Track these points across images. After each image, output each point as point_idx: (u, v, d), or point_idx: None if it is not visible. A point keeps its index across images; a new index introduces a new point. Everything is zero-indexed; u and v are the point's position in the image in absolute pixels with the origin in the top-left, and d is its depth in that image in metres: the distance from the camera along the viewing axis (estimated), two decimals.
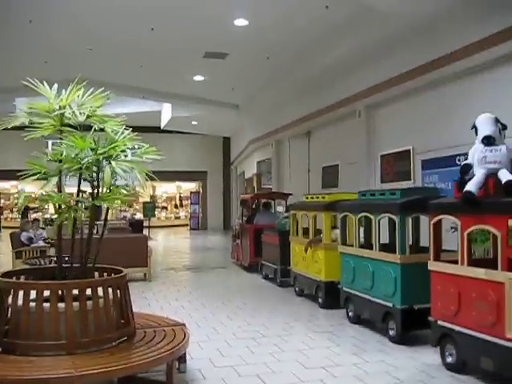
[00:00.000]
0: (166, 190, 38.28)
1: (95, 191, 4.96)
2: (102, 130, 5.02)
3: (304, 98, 14.37)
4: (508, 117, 5.75)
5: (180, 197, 36.80)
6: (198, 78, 15.89)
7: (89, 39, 12.35)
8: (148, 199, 33.24)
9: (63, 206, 4.59)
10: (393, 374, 5.01)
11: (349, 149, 12.29)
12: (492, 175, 4.68)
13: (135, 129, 21.97)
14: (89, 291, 4.29)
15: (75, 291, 4.21)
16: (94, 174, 4.95)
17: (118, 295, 4.56)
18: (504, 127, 4.91)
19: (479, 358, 4.56)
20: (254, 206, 13.24)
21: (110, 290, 4.46)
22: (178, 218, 35.88)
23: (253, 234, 11.96)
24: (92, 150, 4.68)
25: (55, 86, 4.81)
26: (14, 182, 37.12)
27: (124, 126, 4.75)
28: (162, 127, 24.87)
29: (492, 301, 4.39)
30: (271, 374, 5.03)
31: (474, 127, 5.00)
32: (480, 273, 4.58)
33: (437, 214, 5.22)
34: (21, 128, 5.03)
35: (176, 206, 36.77)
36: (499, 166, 4.71)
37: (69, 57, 13.51)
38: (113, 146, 4.83)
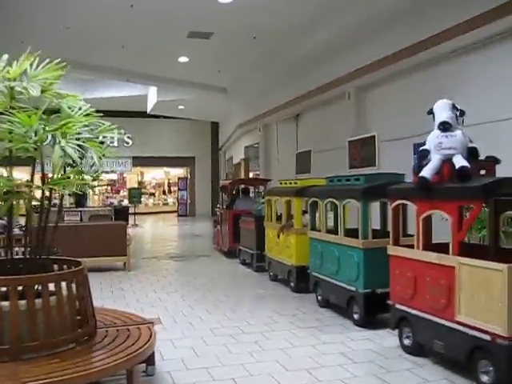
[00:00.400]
0: (154, 176, 37.72)
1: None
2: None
3: (292, 80, 13.97)
4: (501, 97, 5.31)
5: (168, 183, 36.44)
6: (183, 59, 15.34)
7: (65, 17, 11.99)
8: (135, 185, 32.31)
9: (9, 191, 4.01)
10: (348, 355, 5.17)
11: (338, 132, 11.91)
12: (447, 161, 4.77)
13: (121, 113, 25.85)
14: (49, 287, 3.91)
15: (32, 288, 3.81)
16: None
17: (75, 291, 4.09)
18: (462, 113, 4.99)
19: (432, 341, 4.73)
20: (234, 192, 13.32)
21: (66, 285, 4.02)
22: (166, 204, 35.58)
23: (232, 219, 11.99)
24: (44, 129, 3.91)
25: (5, 56, 4.23)
26: None
27: (83, 103, 3.98)
28: (148, 112, 24.58)
29: (444, 285, 4.54)
30: (248, 377, 4.73)
31: (432, 113, 5.04)
32: (433, 257, 4.72)
33: (395, 199, 5.36)
34: None
35: (164, 192, 36.39)
36: (454, 151, 4.79)
37: (46, 36, 13.03)
38: (65, 122, 4.12)
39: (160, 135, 30.34)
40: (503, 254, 4.63)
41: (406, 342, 5.16)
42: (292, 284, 8.22)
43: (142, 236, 18.46)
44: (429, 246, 4.92)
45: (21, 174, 4.56)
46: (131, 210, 23.06)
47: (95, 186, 25.94)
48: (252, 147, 19.84)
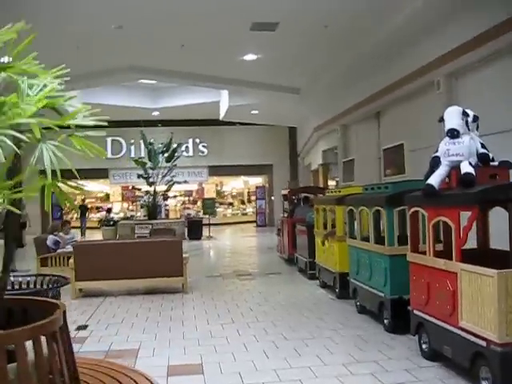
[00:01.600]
0: (233, 185, 38.18)
1: None
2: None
3: (371, 74, 13.09)
4: None
5: (248, 192, 36.80)
6: (250, 57, 14.57)
7: (116, 15, 11.18)
8: (214, 196, 31.23)
9: None
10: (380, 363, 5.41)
11: (428, 128, 10.15)
12: (455, 167, 4.96)
13: (195, 122, 28.85)
14: None
15: None
16: None
17: (44, 352, 2.54)
18: (475, 119, 5.19)
19: (442, 347, 4.95)
20: (295, 201, 13.84)
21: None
22: (244, 214, 35.35)
23: (290, 227, 12.59)
24: None
25: None
26: None
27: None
28: (221, 118, 24.27)
29: (449, 291, 4.74)
30: None
31: (442, 120, 5.29)
32: (440, 263, 4.95)
33: (411, 206, 5.56)
34: None
35: (243, 202, 36.43)
36: (461, 158, 4.97)
37: (99, 37, 12.58)
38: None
39: (236, 143, 30.20)
40: None
41: (424, 346, 5.33)
42: (337, 290, 8.63)
43: (214, 249, 18.29)
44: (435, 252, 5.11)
45: None
46: (206, 221, 23.31)
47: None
48: (330, 151, 18.16)
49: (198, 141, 29.51)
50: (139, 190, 23.30)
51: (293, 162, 29.28)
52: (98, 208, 33.88)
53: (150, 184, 21.64)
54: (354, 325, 6.79)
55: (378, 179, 11.77)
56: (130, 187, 26.65)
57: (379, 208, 6.59)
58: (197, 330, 6.86)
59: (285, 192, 14.97)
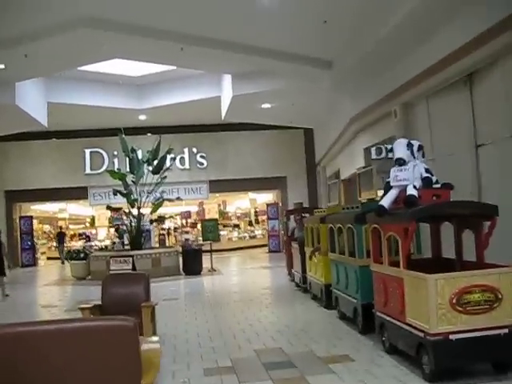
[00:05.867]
0: (238, 205, 35.25)
1: None
2: None
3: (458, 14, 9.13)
4: None
5: (255, 211, 34.35)
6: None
7: None
8: (213, 216, 25.95)
9: None
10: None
11: None
12: (403, 190, 6.43)
13: (192, 128, 25.05)
14: None
15: None
16: None
17: None
18: (419, 148, 6.58)
19: (397, 341, 6.45)
20: (295, 220, 14.98)
21: None
22: (253, 237, 32.24)
23: (288, 245, 14.38)
24: None
25: None
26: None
27: None
28: (223, 117, 21.22)
29: (399, 293, 6.19)
30: None
31: (392, 150, 6.98)
32: (392, 270, 6.44)
33: (371, 223, 7.10)
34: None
35: (250, 223, 29.73)
36: (407, 182, 6.34)
37: None
38: None
39: (241, 152, 26.70)
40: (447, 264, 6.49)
41: (386, 344, 6.78)
42: (323, 301, 10.20)
43: (218, 295, 13.68)
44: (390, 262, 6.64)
45: None
46: (208, 247, 19.64)
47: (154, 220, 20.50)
48: (378, 149, 12.33)
49: (195, 150, 24.78)
50: (118, 210, 17.53)
51: (311, 173, 26.87)
52: (80, 235, 28.36)
53: (132, 203, 15.83)
54: (334, 328, 8.39)
55: (471, 183, 9.69)
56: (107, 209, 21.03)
57: (351, 225, 8.18)
58: None
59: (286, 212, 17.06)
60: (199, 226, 26.58)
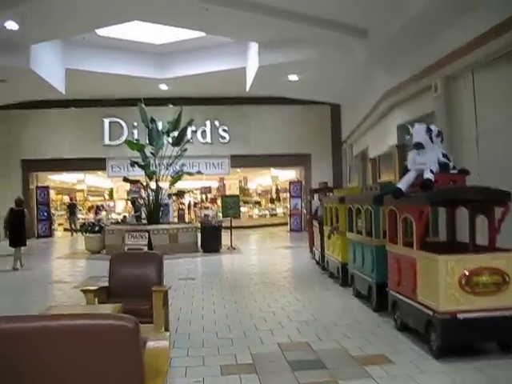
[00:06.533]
0: (260, 182, 34.74)
1: None
2: None
3: None
4: None
5: (277, 189, 28.49)
6: None
7: None
8: (234, 192, 25.35)
9: None
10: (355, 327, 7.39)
11: None
12: (420, 174, 6.69)
13: (214, 101, 24.28)
14: None
15: None
16: None
17: None
18: (438, 133, 6.81)
19: (408, 319, 6.72)
20: (320, 200, 14.69)
21: None
22: (274, 215, 31.58)
23: (310, 224, 14.99)
24: None
25: None
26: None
27: None
28: (247, 89, 20.52)
29: (412, 273, 6.41)
30: None
31: (411, 135, 6.99)
32: (406, 251, 6.69)
33: (387, 205, 7.34)
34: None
35: (272, 201, 28.43)
36: (424, 166, 6.58)
37: None
38: None
39: (265, 127, 25.50)
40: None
41: (398, 321, 7.10)
42: (340, 279, 10.57)
43: (239, 276, 12.54)
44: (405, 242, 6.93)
45: None
46: (227, 224, 19.12)
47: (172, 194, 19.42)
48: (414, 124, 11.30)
49: (217, 124, 23.79)
50: (136, 182, 16.74)
51: (337, 152, 26.04)
52: (98, 207, 27.73)
53: (150, 175, 15.03)
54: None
55: None
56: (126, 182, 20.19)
57: (369, 206, 8.50)
58: None
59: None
60: (219, 201, 26.13)
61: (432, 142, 6.81)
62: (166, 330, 6.93)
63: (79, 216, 29.60)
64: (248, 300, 9.80)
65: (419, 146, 6.72)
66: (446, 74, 11.42)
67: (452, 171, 6.90)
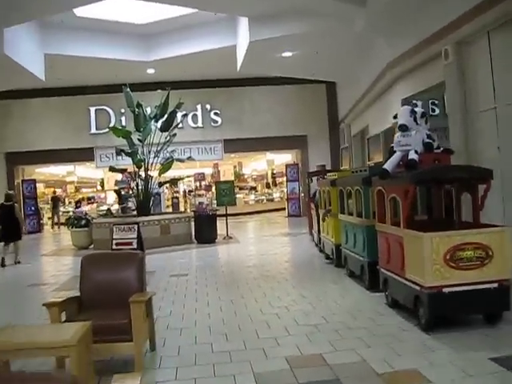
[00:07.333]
0: (254, 167, 34.04)
1: None
2: None
3: None
4: None
5: (273, 173, 27.48)
6: None
7: None
8: (229, 178, 24.46)
9: None
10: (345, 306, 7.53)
11: None
12: (406, 155, 7.02)
13: (205, 83, 23.31)
14: None
15: None
16: None
17: None
18: (422, 114, 7.04)
19: (398, 295, 7.07)
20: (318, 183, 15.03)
21: None
22: (270, 200, 30.71)
23: (309, 207, 15.44)
24: None
25: None
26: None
27: None
28: (238, 69, 19.39)
29: (400, 250, 6.69)
30: None
31: (396, 117, 7.26)
32: (394, 229, 6.96)
33: (375, 186, 7.64)
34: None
35: (268, 185, 27.40)
36: (409, 147, 6.86)
37: None
38: None
39: (258, 109, 24.59)
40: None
41: (389, 298, 7.46)
42: (335, 259, 10.91)
43: (231, 268, 11.77)
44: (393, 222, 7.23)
45: None
46: (222, 211, 17.97)
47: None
48: (420, 96, 10.27)
49: (208, 107, 22.76)
50: (123, 171, 15.60)
51: (334, 132, 25.30)
52: (90, 199, 26.61)
53: (138, 164, 13.81)
54: (341, 286, 8.86)
55: None
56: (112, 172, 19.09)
57: (359, 188, 8.87)
58: None
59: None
60: (214, 188, 25.01)
61: (417, 123, 7.15)
62: (152, 347, 6.07)
63: (69, 209, 28.61)
64: (247, 299, 8.76)
65: (404, 128, 7.06)
66: (458, 39, 10.09)
67: (436, 151, 7.27)
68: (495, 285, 6.04)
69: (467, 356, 5.46)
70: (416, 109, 7.30)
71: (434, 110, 11.96)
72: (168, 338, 6.65)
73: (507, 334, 6.11)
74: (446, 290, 5.99)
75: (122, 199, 20.53)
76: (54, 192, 30.34)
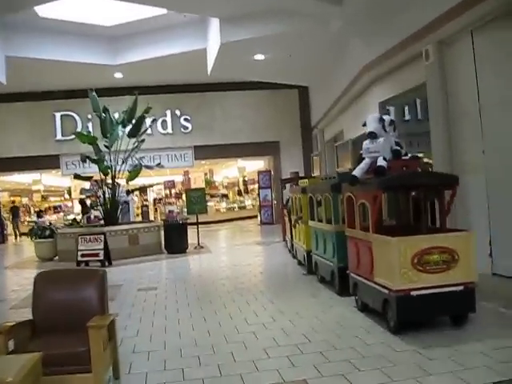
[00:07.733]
0: (226, 174, 33.33)
1: None
2: None
3: None
4: None
5: (244, 180, 27.07)
6: None
7: None
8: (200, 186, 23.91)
9: None
10: (320, 316, 7.25)
11: None
12: (374, 162, 7.13)
13: (174, 88, 22.37)
14: None
15: None
16: None
17: None
18: (391, 122, 7.13)
19: (368, 299, 7.24)
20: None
21: None
22: (242, 207, 30.62)
23: (282, 214, 16.34)
24: None
25: None
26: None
27: None
28: (209, 73, 19.17)
29: (369, 255, 6.84)
30: None
31: (365, 124, 7.31)
32: (363, 234, 7.12)
33: (345, 192, 7.82)
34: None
35: (240, 193, 27.21)
36: (378, 154, 6.95)
37: None
38: None
39: (229, 114, 24.26)
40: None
41: (359, 303, 7.63)
42: (306, 266, 11.08)
43: (203, 281, 11.13)
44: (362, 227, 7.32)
45: None
46: (194, 220, 17.49)
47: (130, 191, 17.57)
48: (396, 100, 9.63)
49: (178, 113, 22.14)
50: (88, 179, 14.90)
51: (307, 138, 25.09)
52: (56, 208, 25.69)
53: (105, 171, 13.10)
54: (312, 292, 8.86)
55: None
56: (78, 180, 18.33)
57: (328, 194, 9.08)
58: None
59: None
60: (184, 196, 23.45)
61: (385, 130, 7.28)
62: (116, 375, 5.33)
63: (34, 219, 27.42)
64: (221, 315, 8.09)
65: (373, 136, 7.18)
66: (439, 38, 9.69)
67: (404, 157, 7.51)
68: (461, 287, 6.24)
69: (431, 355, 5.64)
70: (384, 116, 7.56)
71: (411, 114, 11.89)
72: (134, 362, 5.99)
73: (472, 335, 6.21)
74: (413, 293, 6.15)
75: (86, 208, 19.29)
76: (13, 202, 29.82)
